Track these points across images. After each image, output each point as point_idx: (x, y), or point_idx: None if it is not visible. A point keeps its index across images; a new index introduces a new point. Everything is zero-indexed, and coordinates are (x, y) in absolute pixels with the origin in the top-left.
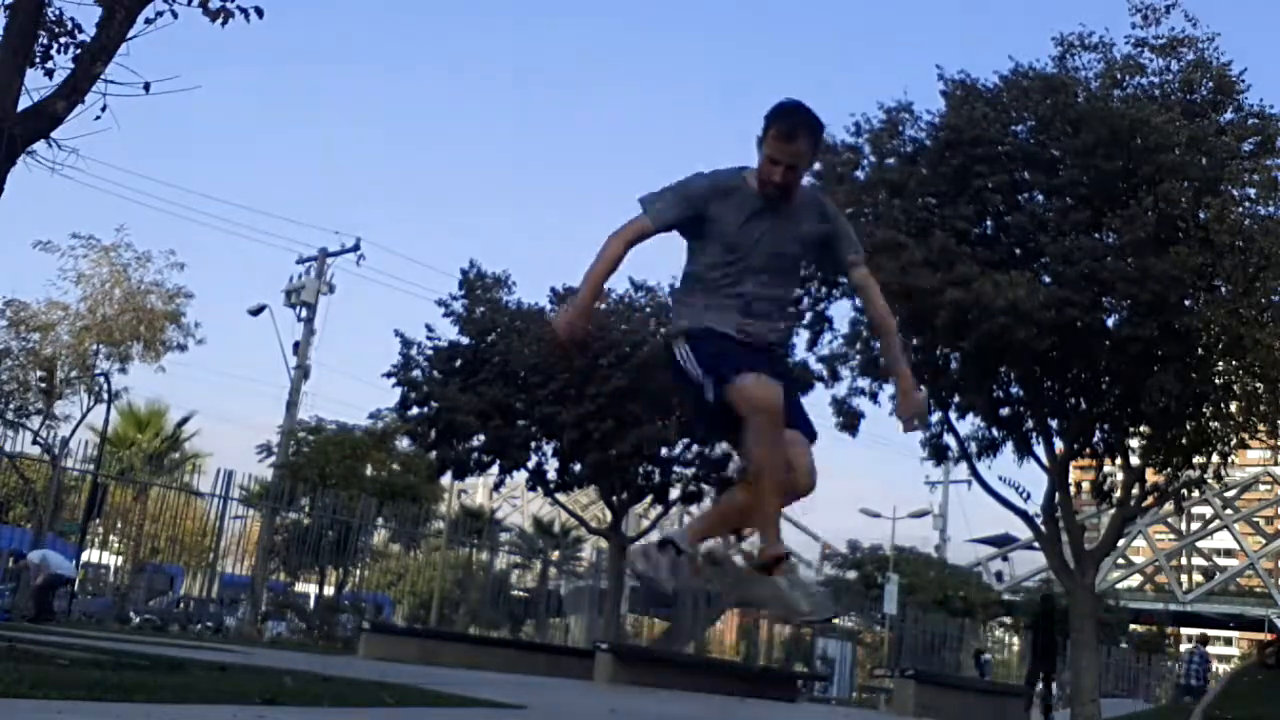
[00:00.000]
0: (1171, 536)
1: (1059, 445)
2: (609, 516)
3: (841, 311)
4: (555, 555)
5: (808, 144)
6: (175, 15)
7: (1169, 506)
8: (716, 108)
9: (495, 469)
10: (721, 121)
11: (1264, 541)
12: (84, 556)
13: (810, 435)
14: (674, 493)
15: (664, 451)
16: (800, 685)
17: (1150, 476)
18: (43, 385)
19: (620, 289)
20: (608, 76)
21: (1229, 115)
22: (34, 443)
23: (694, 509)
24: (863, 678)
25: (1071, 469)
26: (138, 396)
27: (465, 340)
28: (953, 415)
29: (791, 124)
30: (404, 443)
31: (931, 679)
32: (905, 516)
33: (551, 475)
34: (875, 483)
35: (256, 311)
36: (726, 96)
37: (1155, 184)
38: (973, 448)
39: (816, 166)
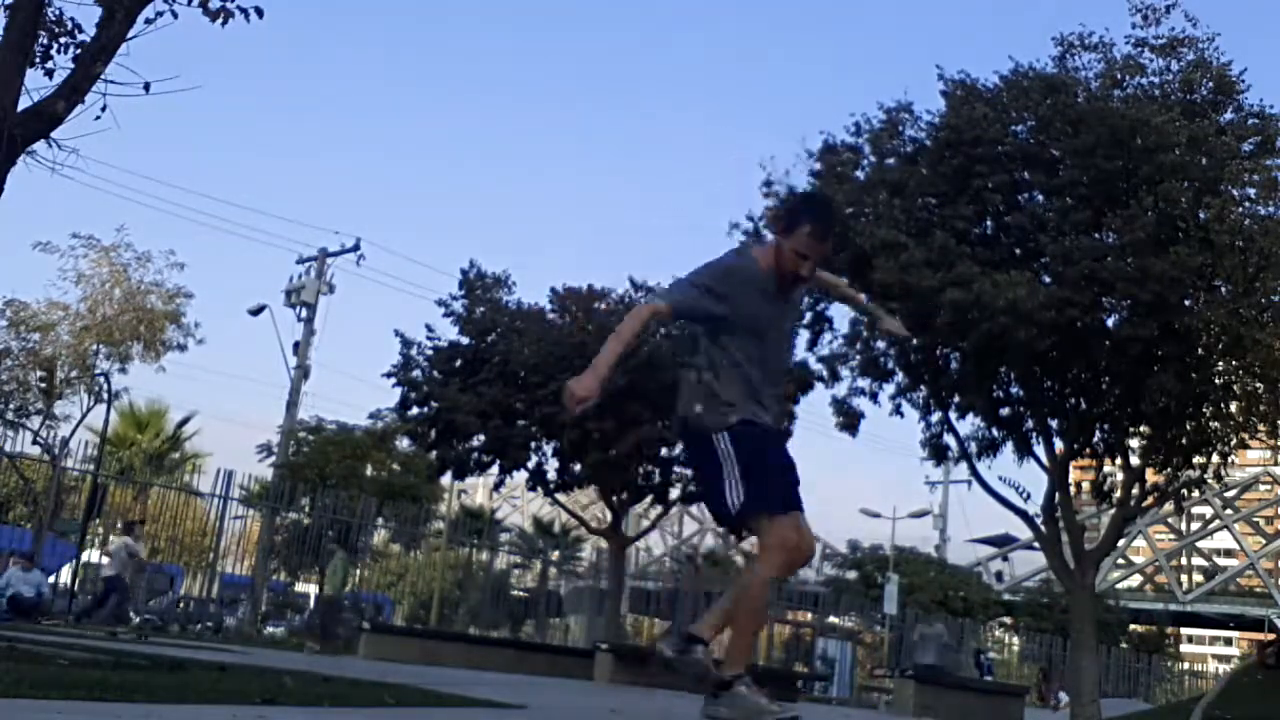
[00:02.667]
0: (1171, 536)
1: (1059, 445)
2: (609, 516)
3: (842, 311)
4: (555, 555)
5: (830, 244)
6: (175, 15)
7: (1169, 506)
8: (716, 107)
9: (495, 469)
10: (721, 120)
11: (1264, 541)
12: (84, 556)
13: (800, 506)
14: (674, 493)
15: (664, 451)
16: (800, 685)
17: (1150, 476)
18: (43, 385)
19: (620, 289)
20: (608, 76)
21: (1229, 115)
22: (34, 443)
23: (693, 509)
24: (863, 678)
25: (1071, 469)
26: (138, 396)
27: (465, 340)
28: (953, 415)
29: (827, 226)
30: (404, 443)
31: (931, 679)
32: (905, 516)
33: (551, 475)
34: (875, 483)
35: (256, 311)
36: (726, 98)
37: (1155, 184)
38: (973, 448)
39: (817, 166)
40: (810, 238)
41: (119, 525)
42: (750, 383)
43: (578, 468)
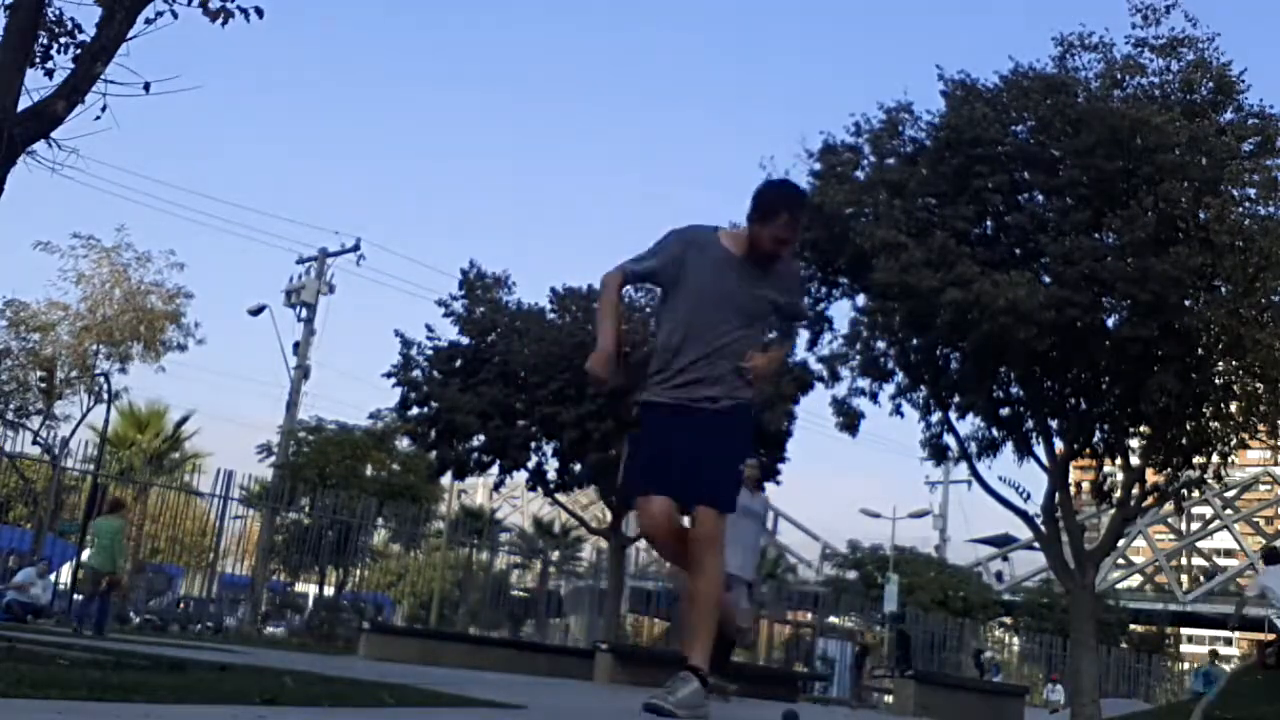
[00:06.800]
0: (1171, 536)
1: (1059, 445)
2: (609, 516)
3: (841, 311)
4: (555, 555)
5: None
6: (175, 15)
7: (1169, 506)
8: (715, 108)
9: (495, 469)
10: (721, 118)
11: (1264, 541)
12: (84, 556)
13: (711, 499)
14: None
15: None
16: (800, 685)
17: (1150, 476)
18: (43, 385)
19: None
20: (608, 75)
21: (1229, 115)
22: (34, 443)
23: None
24: (862, 677)
25: (1071, 469)
26: (138, 396)
27: (465, 340)
28: (953, 415)
29: (798, 214)
30: (404, 443)
31: (931, 679)
32: (905, 516)
33: (551, 475)
34: (875, 483)
35: (256, 311)
36: (726, 99)
37: (1155, 184)
38: (973, 448)
39: (817, 166)
40: (788, 226)
41: None
42: (668, 348)
43: (578, 468)
